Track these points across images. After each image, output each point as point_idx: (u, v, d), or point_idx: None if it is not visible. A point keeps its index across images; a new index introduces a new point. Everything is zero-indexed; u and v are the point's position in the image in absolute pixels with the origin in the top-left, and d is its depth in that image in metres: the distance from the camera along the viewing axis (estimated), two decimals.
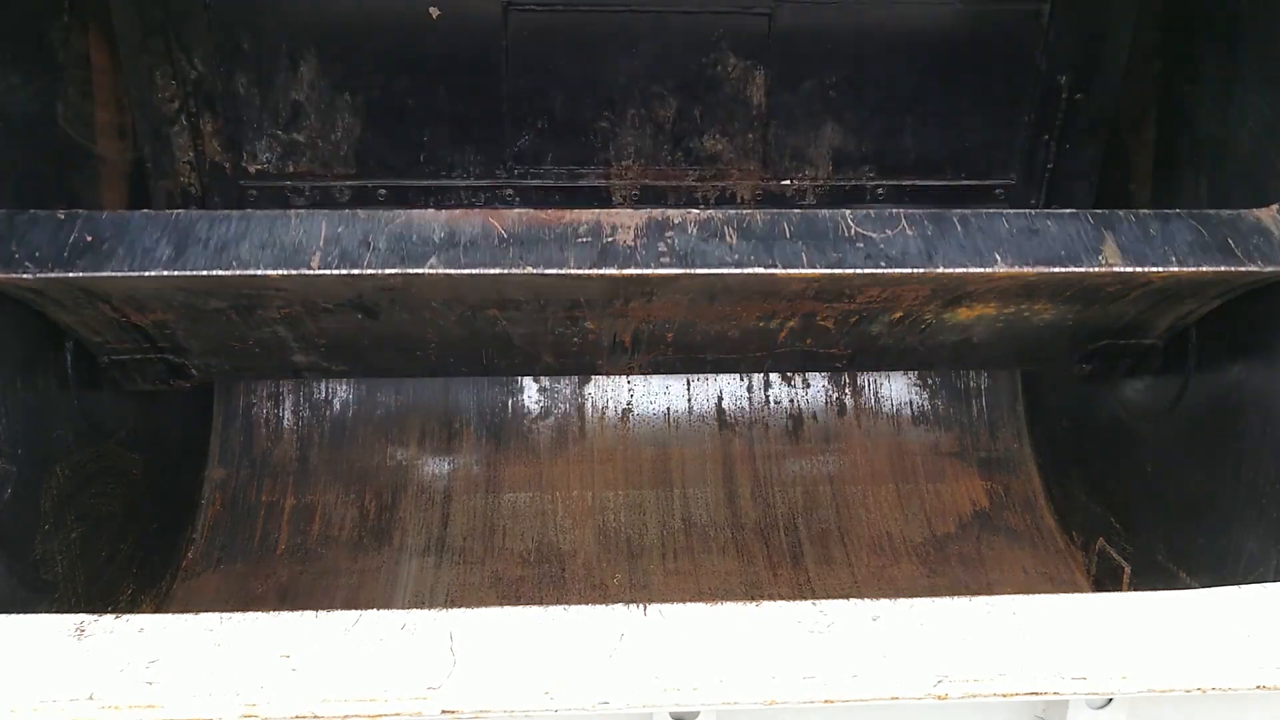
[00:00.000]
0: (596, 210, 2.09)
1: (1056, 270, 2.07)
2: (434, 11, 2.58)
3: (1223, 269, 2.10)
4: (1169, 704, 1.60)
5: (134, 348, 2.32)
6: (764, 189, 2.90)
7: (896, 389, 3.26)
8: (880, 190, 2.92)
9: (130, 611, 2.12)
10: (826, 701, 1.45)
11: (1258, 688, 1.49)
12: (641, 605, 1.57)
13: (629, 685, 1.44)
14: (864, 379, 3.27)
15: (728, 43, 2.70)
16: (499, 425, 3.12)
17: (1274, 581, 1.73)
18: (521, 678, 1.44)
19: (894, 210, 2.14)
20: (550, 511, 3.03)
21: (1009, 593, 1.92)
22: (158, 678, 1.43)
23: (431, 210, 2.07)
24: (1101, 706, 1.59)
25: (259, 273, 1.96)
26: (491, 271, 1.99)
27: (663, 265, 2.02)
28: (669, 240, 2.05)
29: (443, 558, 2.91)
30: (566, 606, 1.57)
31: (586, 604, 1.58)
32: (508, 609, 1.56)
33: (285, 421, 3.07)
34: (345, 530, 2.96)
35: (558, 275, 2.00)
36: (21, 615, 1.55)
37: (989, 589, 2.87)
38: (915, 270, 2.06)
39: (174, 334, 2.27)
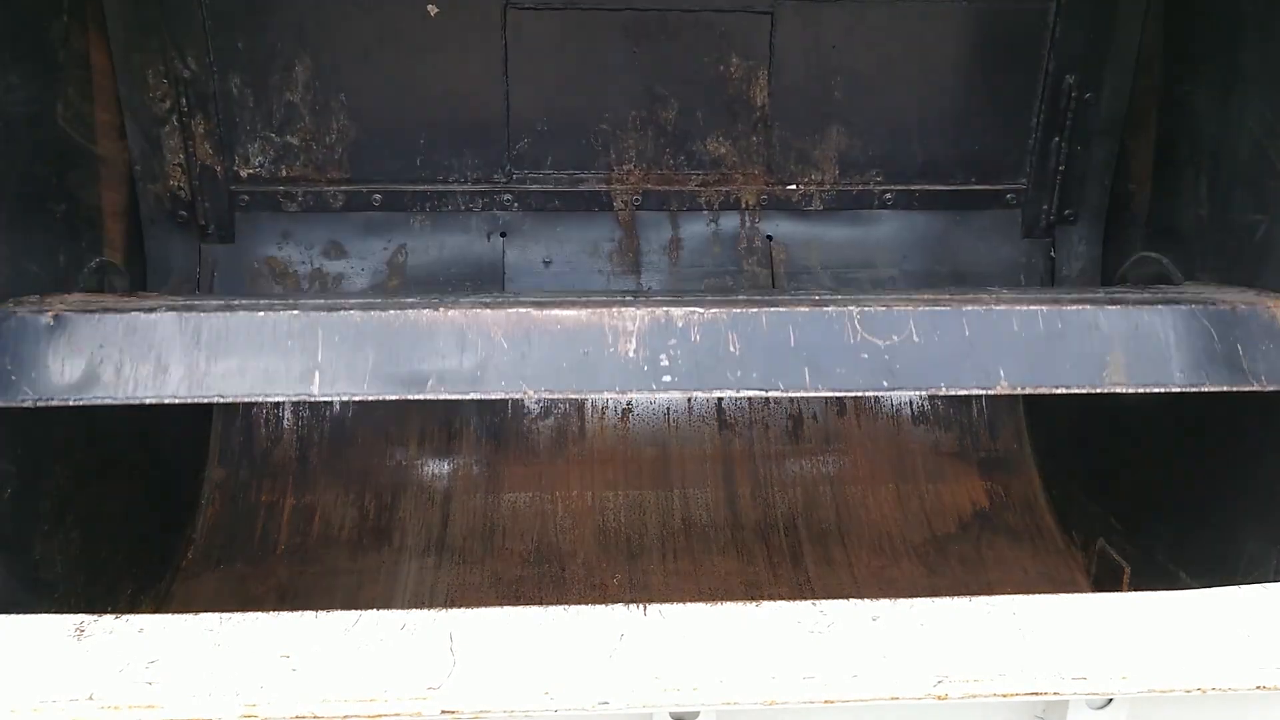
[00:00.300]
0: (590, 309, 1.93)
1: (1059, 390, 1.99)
2: (432, 9, 2.58)
3: (1225, 388, 2.02)
4: (1169, 704, 1.60)
5: None
6: (769, 193, 2.89)
7: None
8: (888, 195, 2.90)
9: (130, 611, 2.11)
10: (826, 702, 1.44)
11: (1258, 688, 1.49)
12: (641, 605, 1.57)
13: (629, 685, 1.44)
14: None
15: (730, 43, 2.69)
16: (499, 425, 3.11)
17: (1274, 581, 1.73)
18: (521, 678, 1.44)
19: (903, 307, 1.98)
20: (550, 512, 3.03)
21: (1009, 593, 1.91)
22: (158, 678, 1.43)
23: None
24: (1101, 707, 1.59)
25: None
26: None
27: None
28: None
29: (442, 558, 2.91)
30: (566, 607, 1.57)
31: (586, 604, 1.58)
32: (507, 609, 1.56)
33: (285, 421, 3.07)
34: (345, 530, 2.96)
35: None
36: (21, 615, 1.55)
37: (989, 589, 2.86)
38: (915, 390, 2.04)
39: None
